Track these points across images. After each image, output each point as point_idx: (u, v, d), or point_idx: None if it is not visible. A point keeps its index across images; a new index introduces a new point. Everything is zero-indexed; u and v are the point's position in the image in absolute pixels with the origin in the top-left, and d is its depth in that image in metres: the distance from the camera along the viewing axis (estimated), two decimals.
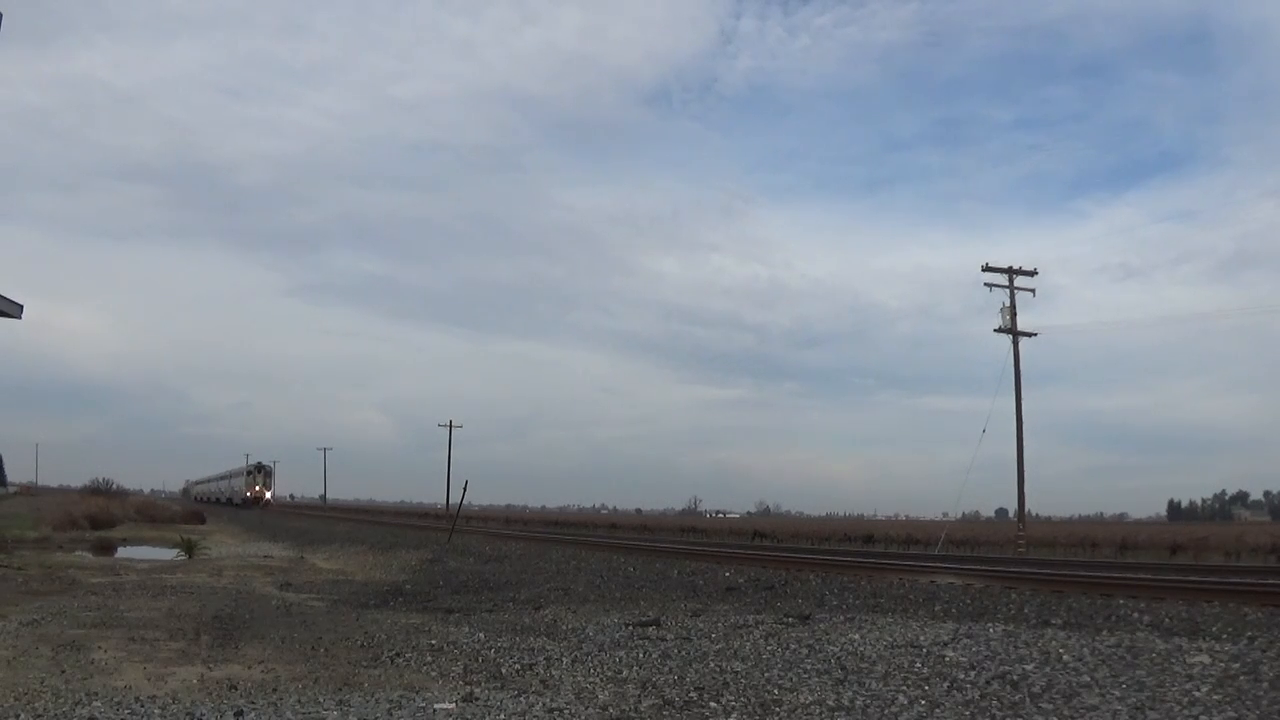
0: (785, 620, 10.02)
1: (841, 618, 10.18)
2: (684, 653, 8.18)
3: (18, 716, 5.69)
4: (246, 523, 48.26)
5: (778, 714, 6.00)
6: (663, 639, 8.96)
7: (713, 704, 6.25)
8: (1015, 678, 6.70)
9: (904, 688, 6.57)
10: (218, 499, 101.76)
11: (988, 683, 6.62)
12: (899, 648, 8.06)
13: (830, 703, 6.20)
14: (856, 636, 8.71)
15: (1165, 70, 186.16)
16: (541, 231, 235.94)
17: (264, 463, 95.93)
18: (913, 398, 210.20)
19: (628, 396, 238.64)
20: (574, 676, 7.22)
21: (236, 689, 6.60)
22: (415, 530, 40.35)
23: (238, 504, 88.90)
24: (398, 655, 8.13)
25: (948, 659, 7.48)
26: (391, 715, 5.91)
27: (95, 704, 6.03)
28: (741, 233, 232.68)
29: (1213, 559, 31.10)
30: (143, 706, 5.99)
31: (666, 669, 7.46)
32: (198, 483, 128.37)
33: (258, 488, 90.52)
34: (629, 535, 50.42)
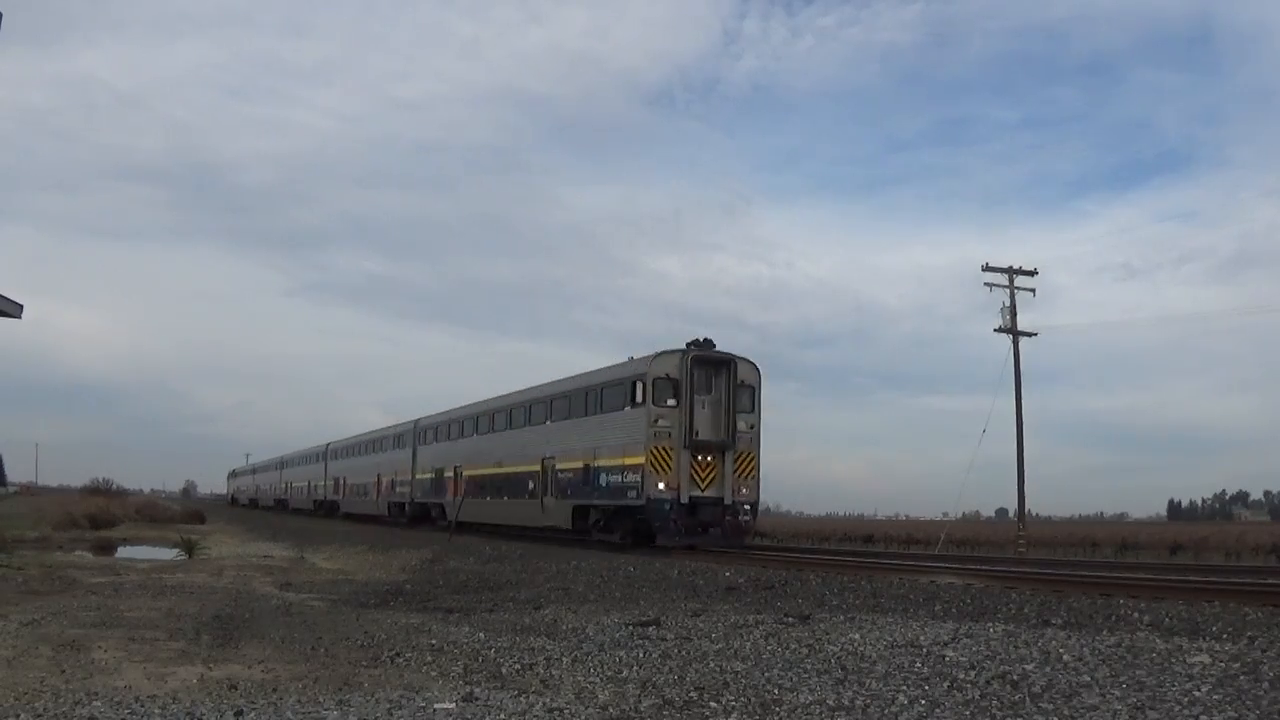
0: (785, 620, 10.02)
1: (841, 617, 10.18)
2: (684, 652, 8.18)
3: (18, 716, 5.69)
4: (247, 522, 48.22)
5: (778, 714, 6.00)
6: (663, 639, 8.96)
7: (713, 704, 6.24)
8: (1015, 677, 6.70)
9: (904, 687, 6.57)
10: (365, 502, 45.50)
11: (988, 682, 6.62)
12: (899, 647, 8.06)
13: (830, 702, 6.20)
14: (856, 636, 8.71)
15: (1167, 70, 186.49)
16: (544, 231, 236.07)
17: None
18: (913, 398, 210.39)
19: None
20: (574, 676, 7.21)
21: (236, 689, 6.60)
22: (415, 530, 40.31)
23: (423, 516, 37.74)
24: (398, 655, 8.13)
25: (948, 659, 7.48)
26: (391, 715, 5.91)
27: (95, 704, 6.03)
28: (744, 233, 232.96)
29: (1213, 559, 31.17)
30: (143, 706, 5.99)
31: (666, 669, 7.45)
32: (258, 469, 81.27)
33: None
34: None
